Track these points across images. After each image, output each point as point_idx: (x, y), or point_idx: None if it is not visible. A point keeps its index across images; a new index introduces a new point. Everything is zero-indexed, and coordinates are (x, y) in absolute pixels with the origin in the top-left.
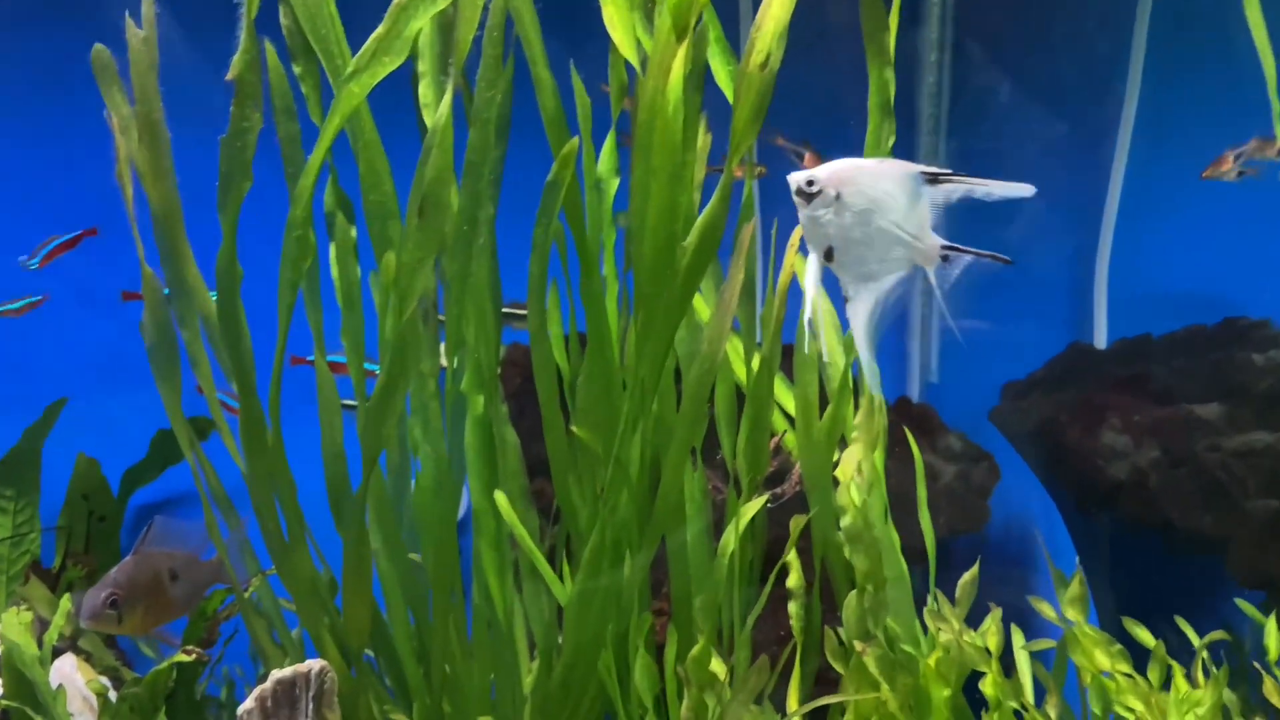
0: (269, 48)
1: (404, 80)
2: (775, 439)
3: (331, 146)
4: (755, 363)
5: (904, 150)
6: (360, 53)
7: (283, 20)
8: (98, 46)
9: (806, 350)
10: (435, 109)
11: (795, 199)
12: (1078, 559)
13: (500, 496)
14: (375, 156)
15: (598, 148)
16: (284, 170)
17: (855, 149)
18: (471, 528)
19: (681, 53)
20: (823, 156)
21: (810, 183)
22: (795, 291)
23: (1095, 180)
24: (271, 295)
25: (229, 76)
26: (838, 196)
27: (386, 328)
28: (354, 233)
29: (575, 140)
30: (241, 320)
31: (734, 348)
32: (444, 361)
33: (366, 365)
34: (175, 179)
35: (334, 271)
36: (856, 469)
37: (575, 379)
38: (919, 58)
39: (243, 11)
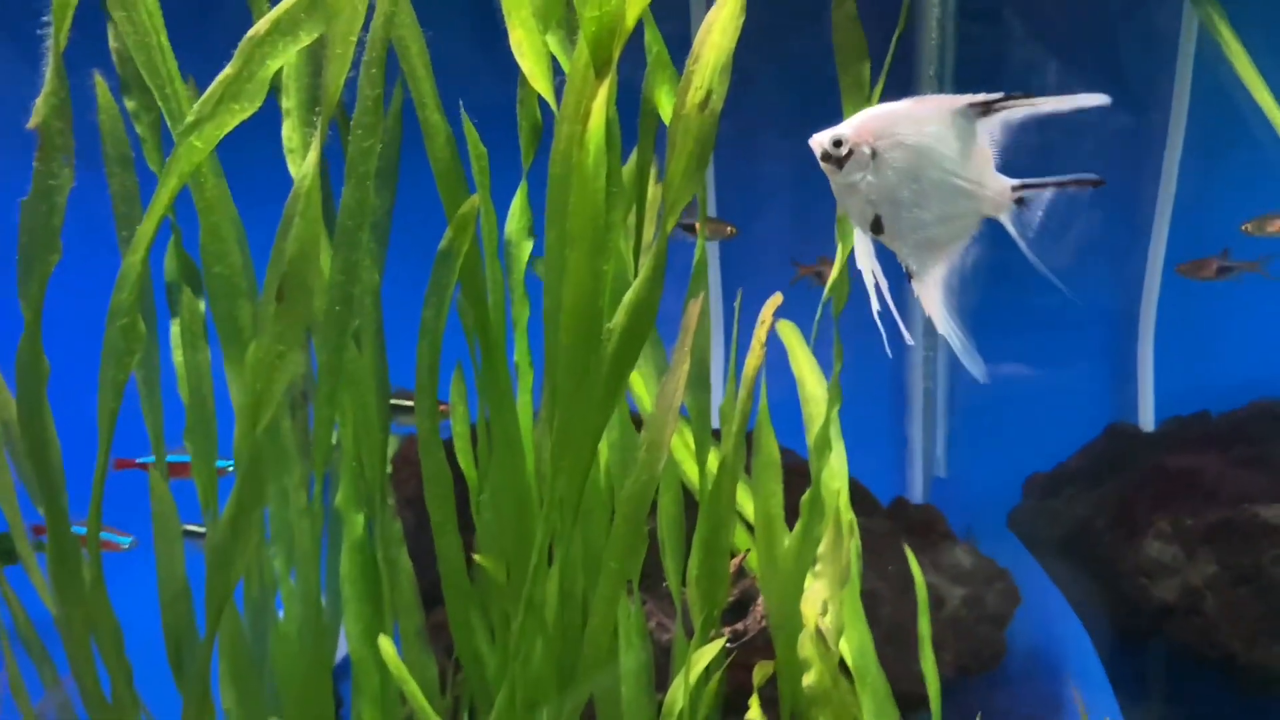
0: (100, 82)
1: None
2: (736, 560)
3: (174, 204)
4: (712, 462)
5: None
6: (204, 98)
7: (111, 43)
8: None
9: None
10: (302, 156)
11: (823, 166)
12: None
13: (385, 644)
14: (221, 221)
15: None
16: (117, 235)
17: None
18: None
19: (603, 92)
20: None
21: (838, 143)
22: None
23: (1140, 193)
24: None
25: (31, 124)
26: (874, 154)
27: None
28: (203, 307)
29: (474, 199)
30: (48, 426)
31: (683, 442)
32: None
33: (220, 464)
34: None
35: (176, 357)
36: (822, 611)
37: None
38: (919, 31)
39: (48, 44)
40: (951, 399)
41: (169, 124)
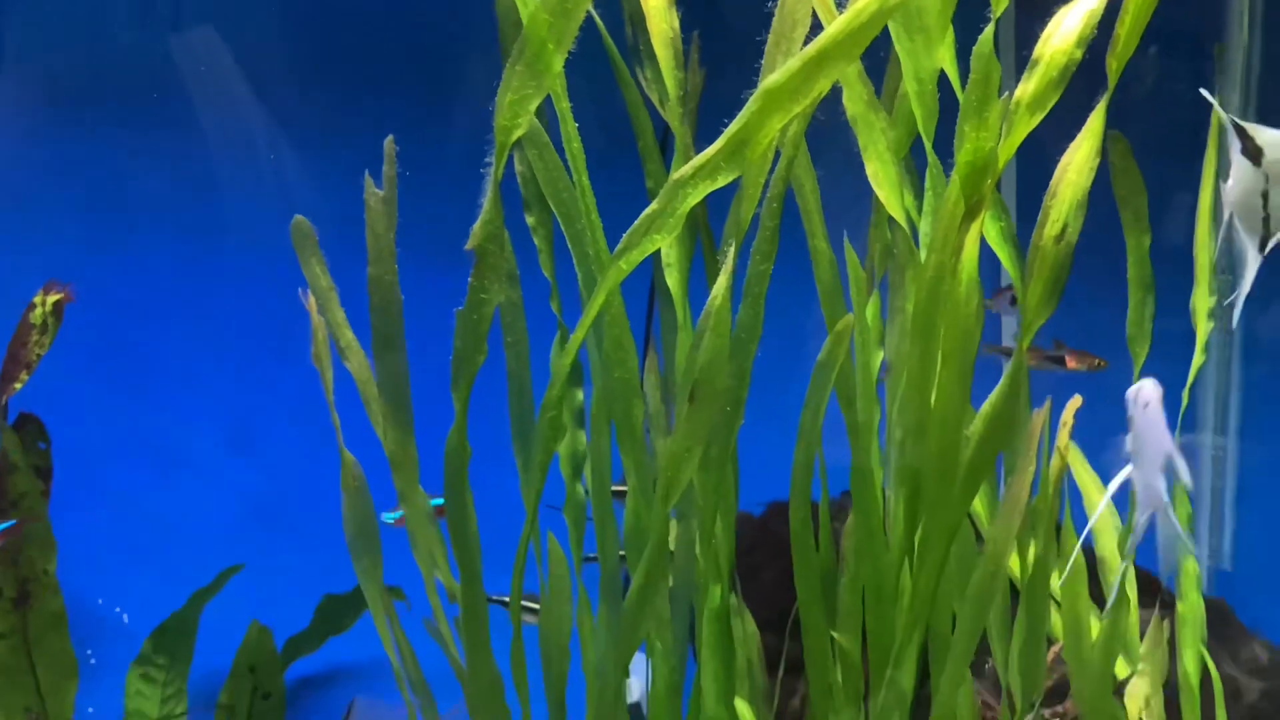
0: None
1: None
2: (1055, 649)
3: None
4: (1030, 555)
5: None
6: (632, 229)
7: (518, 166)
8: (298, 218)
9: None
10: (676, 270)
11: None
12: None
13: (741, 706)
14: (623, 334)
15: None
16: (503, 340)
17: None
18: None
19: (975, 228)
20: (1083, 353)
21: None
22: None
23: None
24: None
25: (469, 246)
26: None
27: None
28: (580, 395)
29: (850, 317)
30: (468, 503)
31: None
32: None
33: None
34: (405, 349)
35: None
36: (1145, 705)
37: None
38: None
39: (488, 179)
40: (1240, 496)
41: (574, 251)
